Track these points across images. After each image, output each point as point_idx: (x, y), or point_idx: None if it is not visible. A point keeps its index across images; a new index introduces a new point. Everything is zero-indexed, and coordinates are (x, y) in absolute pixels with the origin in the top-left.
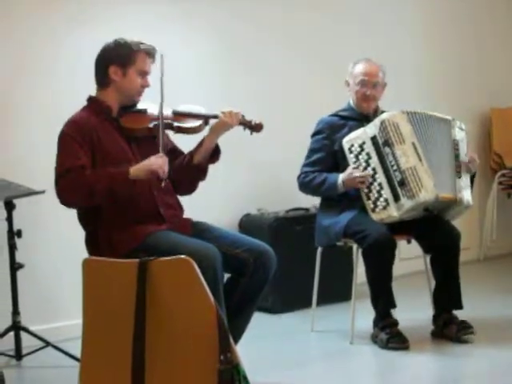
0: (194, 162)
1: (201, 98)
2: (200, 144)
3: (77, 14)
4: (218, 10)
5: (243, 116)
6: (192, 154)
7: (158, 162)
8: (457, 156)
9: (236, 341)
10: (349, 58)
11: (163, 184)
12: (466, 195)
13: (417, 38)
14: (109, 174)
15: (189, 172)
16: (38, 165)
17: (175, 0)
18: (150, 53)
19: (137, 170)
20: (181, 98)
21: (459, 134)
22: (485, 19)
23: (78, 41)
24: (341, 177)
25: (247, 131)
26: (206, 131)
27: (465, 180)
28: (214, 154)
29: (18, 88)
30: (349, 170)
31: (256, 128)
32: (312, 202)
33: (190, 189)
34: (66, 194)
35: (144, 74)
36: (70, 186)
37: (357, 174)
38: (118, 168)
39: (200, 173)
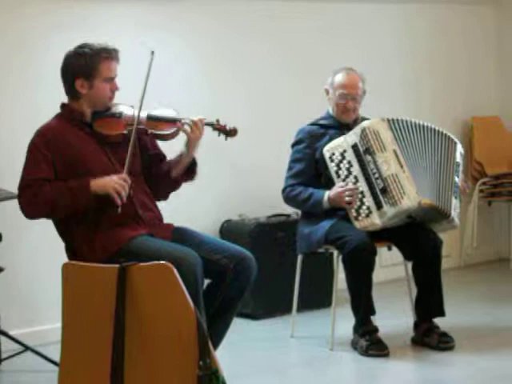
0: (171, 175)
1: (185, 102)
2: (178, 158)
3: (63, 20)
4: (203, 15)
5: (218, 120)
6: (170, 167)
7: (117, 187)
8: (457, 177)
9: (215, 346)
10: (335, 65)
11: (119, 211)
12: (457, 216)
13: (402, 46)
14: (70, 188)
15: (165, 182)
16: (20, 169)
17: (159, 5)
18: (113, 56)
19: (96, 186)
20: (160, 100)
21: (459, 158)
22: (469, 30)
23: (63, 45)
24: (327, 194)
25: (222, 135)
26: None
27: (458, 202)
28: (191, 169)
29: (3, 90)
30: (336, 188)
31: (231, 133)
32: (293, 208)
33: (164, 196)
34: (27, 208)
35: (111, 79)
36: (32, 200)
37: (346, 193)
38: (78, 180)
39: (175, 185)
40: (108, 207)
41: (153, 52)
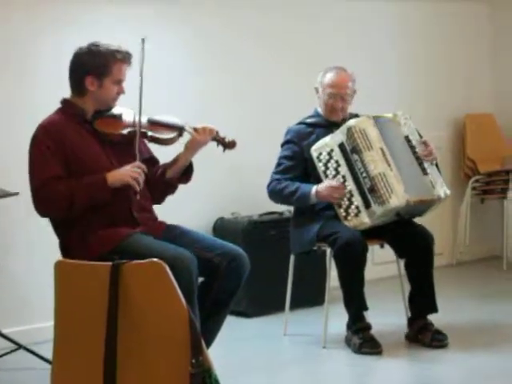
0: (166, 176)
1: (176, 100)
2: (174, 160)
3: (61, 15)
4: (196, 12)
5: (217, 132)
6: (165, 168)
7: (134, 175)
8: (414, 152)
9: (208, 344)
10: (330, 63)
11: (138, 197)
12: (441, 189)
13: (397, 44)
14: (86, 183)
15: (159, 185)
16: (14, 166)
17: (154, 2)
18: (126, 60)
19: (113, 178)
20: (156, 100)
21: (406, 126)
22: (464, 27)
23: (61, 42)
24: (314, 188)
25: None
26: (180, 141)
27: (433, 173)
28: (187, 173)
29: None
30: (325, 183)
31: (229, 145)
32: (286, 206)
33: (158, 200)
34: (44, 208)
35: (120, 82)
36: (48, 199)
37: (335, 191)
38: (94, 176)
39: (170, 188)
40: (103, 207)
41: (143, 39)
